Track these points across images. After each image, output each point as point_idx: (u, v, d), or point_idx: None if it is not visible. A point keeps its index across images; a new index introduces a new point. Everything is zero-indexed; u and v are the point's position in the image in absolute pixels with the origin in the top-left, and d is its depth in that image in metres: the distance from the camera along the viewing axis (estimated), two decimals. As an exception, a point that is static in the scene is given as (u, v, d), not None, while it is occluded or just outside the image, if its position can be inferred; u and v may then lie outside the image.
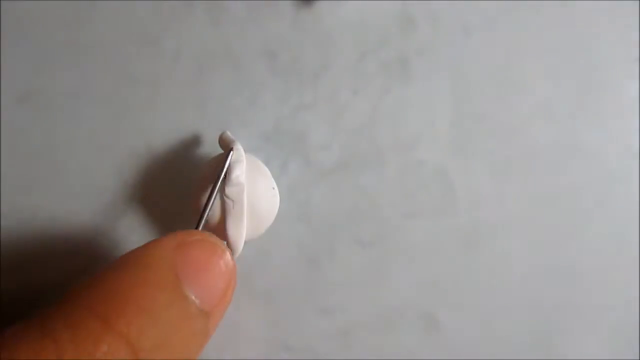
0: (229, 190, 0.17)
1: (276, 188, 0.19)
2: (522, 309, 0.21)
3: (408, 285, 0.21)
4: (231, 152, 0.18)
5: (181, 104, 0.20)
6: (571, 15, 0.20)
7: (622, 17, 0.20)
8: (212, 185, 0.18)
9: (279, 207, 0.19)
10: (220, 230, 0.18)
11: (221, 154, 0.19)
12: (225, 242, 0.12)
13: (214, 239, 0.12)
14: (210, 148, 0.20)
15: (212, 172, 0.18)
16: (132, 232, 0.21)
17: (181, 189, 0.20)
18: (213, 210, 0.18)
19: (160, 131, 0.20)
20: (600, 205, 0.21)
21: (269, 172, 0.19)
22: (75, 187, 0.20)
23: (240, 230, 0.18)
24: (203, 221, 0.16)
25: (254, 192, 0.18)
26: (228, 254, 0.12)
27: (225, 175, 0.17)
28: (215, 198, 0.17)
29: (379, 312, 0.21)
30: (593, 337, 0.22)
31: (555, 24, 0.20)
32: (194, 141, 0.20)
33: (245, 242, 0.18)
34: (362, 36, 0.20)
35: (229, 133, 0.19)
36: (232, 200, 0.18)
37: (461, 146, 0.21)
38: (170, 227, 0.21)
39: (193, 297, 0.11)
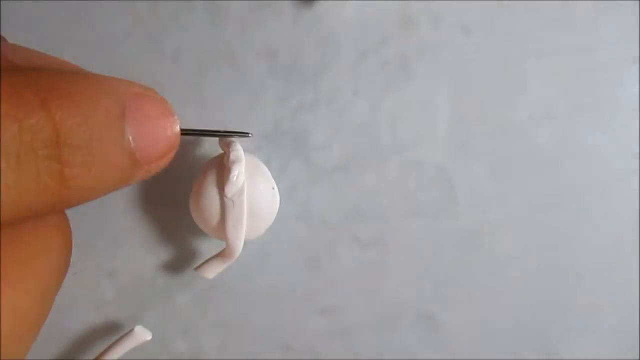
0: (228, 190, 0.17)
1: (276, 188, 0.19)
2: (522, 309, 0.21)
3: (408, 285, 0.21)
4: (231, 152, 0.18)
5: (181, 104, 0.20)
6: (571, 15, 0.20)
7: (622, 17, 0.20)
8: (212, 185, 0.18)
9: (279, 207, 0.19)
10: (220, 230, 0.18)
11: (221, 154, 0.19)
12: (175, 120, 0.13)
13: (170, 107, 0.13)
14: (210, 148, 0.20)
15: (212, 172, 0.18)
16: (132, 232, 0.21)
17: (181, 189, 0.20)
18: (213, 211, 0.18)
19: (160, 131, 0.20)
20: (600, 205, 0.21)
21: (269, 172, 0.19)
22: (75, 187, 0.20)
23: (240, 231, 0.18)
24: None
25: (253, 192, 0.18)
26: (177, 126, 0.12)
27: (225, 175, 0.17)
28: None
29: (379, 312, 0.21)
30: (593, 337, 0.22)
31: (555, 24, 0.20)
32: (194, 141, 0.20)
33: (245, 242, 0.18)
34: (362, 36, 0.20)
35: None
36: (232, 201, 0.18)
37: (461, 146, 0.21)
38: (170, 227, 0.21)
39: (130, 137, 0.11)
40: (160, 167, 0.12)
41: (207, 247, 0.21)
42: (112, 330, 0.21)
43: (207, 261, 0.19)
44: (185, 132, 0.15)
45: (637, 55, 0.21)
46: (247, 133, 0.18)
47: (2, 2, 0.20)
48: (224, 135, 0.18)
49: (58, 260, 0.12)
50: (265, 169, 0.19)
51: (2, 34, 0.20)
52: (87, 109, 0.10)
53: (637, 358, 0.22)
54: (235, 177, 0.17)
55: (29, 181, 0.09)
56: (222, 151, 0.19)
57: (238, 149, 0.18)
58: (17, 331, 0.10)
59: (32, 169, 0.09)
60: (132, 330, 0.19)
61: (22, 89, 0.09)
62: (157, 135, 0.12)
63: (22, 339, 0.11)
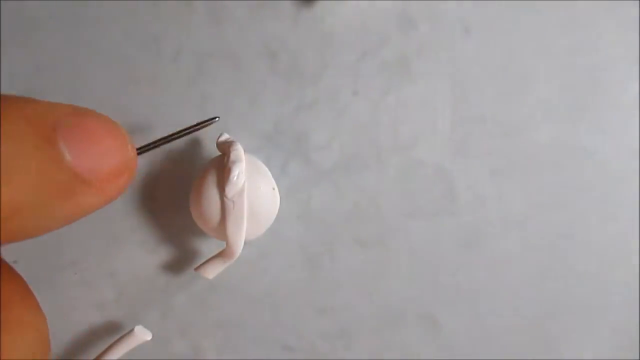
0: (229, 191, 0.17)
1: (276, 188, 0.19)
2: (522, 308, 0.21)
3: (408, 285, 0.21)
4: (231, 152, 0.18)
5: (181, 104, 0.20)
6: (571, 15, 0.20)
7: (622, 17, 0.20)
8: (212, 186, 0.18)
9: (279, 207, 0.19)
10: (220, 230, 0.18)
11: (221, 154, 0.19)
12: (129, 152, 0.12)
13: (117, 124, 0.12)
14: (210, 148, 0.20)
15: (212, 172, 0.18)
16: (132, 232, 0.21)
17: (181, 189, 0.20)
18: (213, 211, 0.18)
19: (161, 131, 0.20)
20: (600, 205, 0.21)
21: (269, 173, 0.19)
22: (75, 187, 0.20)
23: (241, 231, 0.18)
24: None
25: (254, 193, 0.18)
26: (127, 141, 0.12)
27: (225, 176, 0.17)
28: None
29: (379, 312, 0.21)
30: (593, 337, 0.22)
31: (555, 24, 0.20)
32: (194, 141, 0.20)
33: (246, 242, 0.18)
34: (362, 36, 0.20)
35: (225, 136, 0.19)
36: (232, 201, 0.18)
37: (461, 146, 0.21)
38: (170, 227, 0.21)
39: (68, 157, 0.11)
40: (121, 186, 0.12)
41: (207, 247, 0.21)
42: (112, 330, 0.21)
43: (207, 261, 0.19)
44: (142, 149, 0.15)
45: (637, 55, 0.21)
46: (214, 118, 0.17)
47: (2, 2, 0.20)
48: (189, 132, 0.16)
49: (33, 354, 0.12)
50: (266, 169, 0.19)
51: (2, 33, 0.20)
52: (9, 132, 0.10)
53: (637, 358, 0.22)
54: (235, 177, 0.17)
55: None
56: (220, 146, 0.19)
57: (238, 149, 0.18)
58: None
59: None
60: (132, 330, 0.19)
61: None
62: (104, 152, 0.12)
63: None
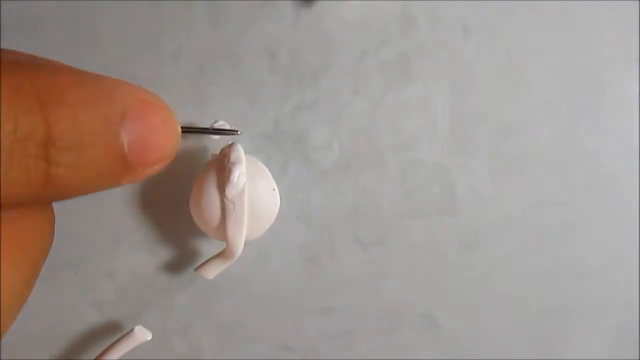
0: (229, 192, 0.17)
1: (276, 189, 0.19)
2: (521, 309, 0.21)
3: (408, 285, 0.21)
4: (231, 153, 0.18)
5: (181, 104, 0.20)
6: (571, 15, 0.20)
7: (622, 17, 0.20)
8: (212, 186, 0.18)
9: (279, 207, 0.19)
10: (220, 231, 0.18)
11: (221, 155, 0.19)
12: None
13: (173, 114, 0.13)
14: (210, 148, 0.20)
15: (213, 173, 0.18)
16: (132, 232, 0.21)
17: (181, 189, 0.20)
18: (213, 211, 0.18)
19: (160, 131, 0.20)
20: (600, 205, 0.21)
21: (269, 173, 0.19)
22: (75, 187, 0.20)
23: (241, 231, 0.18)
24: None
25: (254, 193, 0.18)
26: (178, 132, 0.13)
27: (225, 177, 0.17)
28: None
29: (379, 312, 0.21)
30: (593, 337, 0.22)
31: (555, 24, 0.20)
32: (194, 141, 0.20)
33: (246, 243, 0.18)
34: (362, 36, 0.20)
35: (220, 122, 0.19)
36: (233, 202, 0.18)
37: (461, 146, 0.21)
38: (170, 227, 0.21)
39: (125, 144, 0.11)
40: (155, 171, 0.13)
41: (207, 247, 0.21)
42: (112, 330, 0.21)
43: (207, 261, 0.19)
44: (185, 130, 0.15)
45: (637, 55, 0.20)
46: (236, 130, 0.18)
47: (2, 2, 0.20)
48: (215, 133, 0.18)
49: (43, 242, 0.13)
50: (266, 169, 0.19)
51: (2, 33, 0.20)
52: (84, 114, 0.10)
53: (637, 358, 0.22)
54: (236, 178, 0.17)
55: (19, 174, 0.10)
56: (222, 152, 0.19)
57: (239, 149, 0.18)
58: (7, 305, 0.11)
59: (22, 165, 0.10)
60: (132, 330, 0.19)
61: (22, 88, 0.10)
62: (155, 142, 0.12)
63: (10, 313, 0.12)
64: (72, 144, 0.10)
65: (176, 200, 0.20)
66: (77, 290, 0.21)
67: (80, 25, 0.20)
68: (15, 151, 0.10)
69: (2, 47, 0.20)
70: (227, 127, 0.19)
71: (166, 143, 0.12)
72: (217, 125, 0.19)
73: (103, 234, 0.21)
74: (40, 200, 0.11)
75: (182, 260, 0.21)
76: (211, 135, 0.19)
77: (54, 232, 0.13)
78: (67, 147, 0.10)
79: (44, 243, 0.13)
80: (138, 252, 0.21)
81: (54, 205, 0.13)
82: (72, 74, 0.11)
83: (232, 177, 0.17)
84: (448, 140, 0.21)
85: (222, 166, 0.18)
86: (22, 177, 0.10)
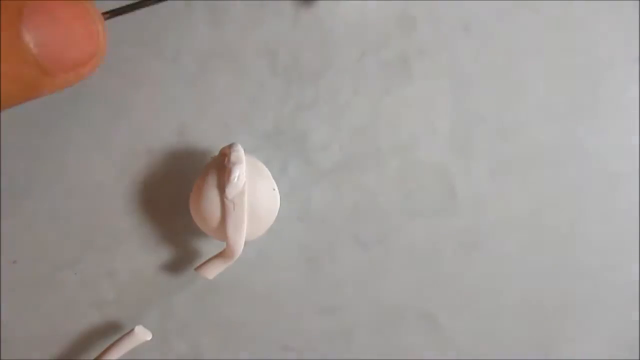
0: (229, 192, 0.17)
1: (276, 189, 0.19)
2: (521, 309, 0.21)
3: (408, 285, 0.21)
4: (231, 153, 0.18)
5: (181, 104, 0.20)
6: (571, 15, 0.20)
7: (622, 17, 0.20)
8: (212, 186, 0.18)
9: (279, 207, 0.19)
10: (220, 231, 0.18)
11: (221, 155, 0.19)
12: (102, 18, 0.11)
13: (89, 6, 0.11)
14: (210, 148, 0.20)
15: (213, 173, 0.18)
16: (132, 232, 0.21)
17: (181, 189, 0.20)
18: (213, 212, 0.18)
19: (160, 131, 0.20)
20: (600, 205, 0.21)
21: (269, 173, 0.19)
22: (75, 186, 0.20)
23: (241, 232, 0.18)
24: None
25: (254, 194, 0.18)
26: (100, 27, 0.11)
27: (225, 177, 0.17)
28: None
29: (379, 312, 0.21)
30: (593, 337, 0.22)
31: (555, 24, 0.20)
32: (194, 141, 0.20)
33: (246, 243, 0.18)
34: (362, 36, 0.20)
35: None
36: (233, 202, 0.18)
37: (461, 146, 0.21)
38: (170, 227, 0.21)
39: (31, 43, 0.10)
40: (81, 75, 0.11)
41: (207, 247, 0.21)
42: (112, 330, 0.21)
43: (207, 261, 0.19)
44: (111, 14, 0.13)
45: (637, 55, 0.20)
46: None
47: (1, 2, 0.20)
48: (146, 5, 0.16)
49: None
50: (266, 169, 0.19)
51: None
52: None
53: (637, 358, 0.22)
54: (236, 178, 0.17)
55: None
56: (222, 152, 0.19)
57: (239, 150, 0.18)
58: None
59: None
60: (132, 330, 0.19)
61: None
62: (70, 39, 0.11)
63: None
64: None
65: (176, 200, 0.20)
66: (77, 290, 0.21)
67: (80, 25, 0.20)
68: None
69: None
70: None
71: (83, 40, 0.11)
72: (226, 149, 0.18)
73: (103, 234, 0.21)
74: None
75: (182, 260, 0.21)
76: (142, 9, 0.16)
77: None
78: None
79: None
80: (138, 252, 0.21)
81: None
82: None
83: (232, 177, 0.17)
84: (448, 140, 0.21)
85: (222, 166, 0.18)
86: None
